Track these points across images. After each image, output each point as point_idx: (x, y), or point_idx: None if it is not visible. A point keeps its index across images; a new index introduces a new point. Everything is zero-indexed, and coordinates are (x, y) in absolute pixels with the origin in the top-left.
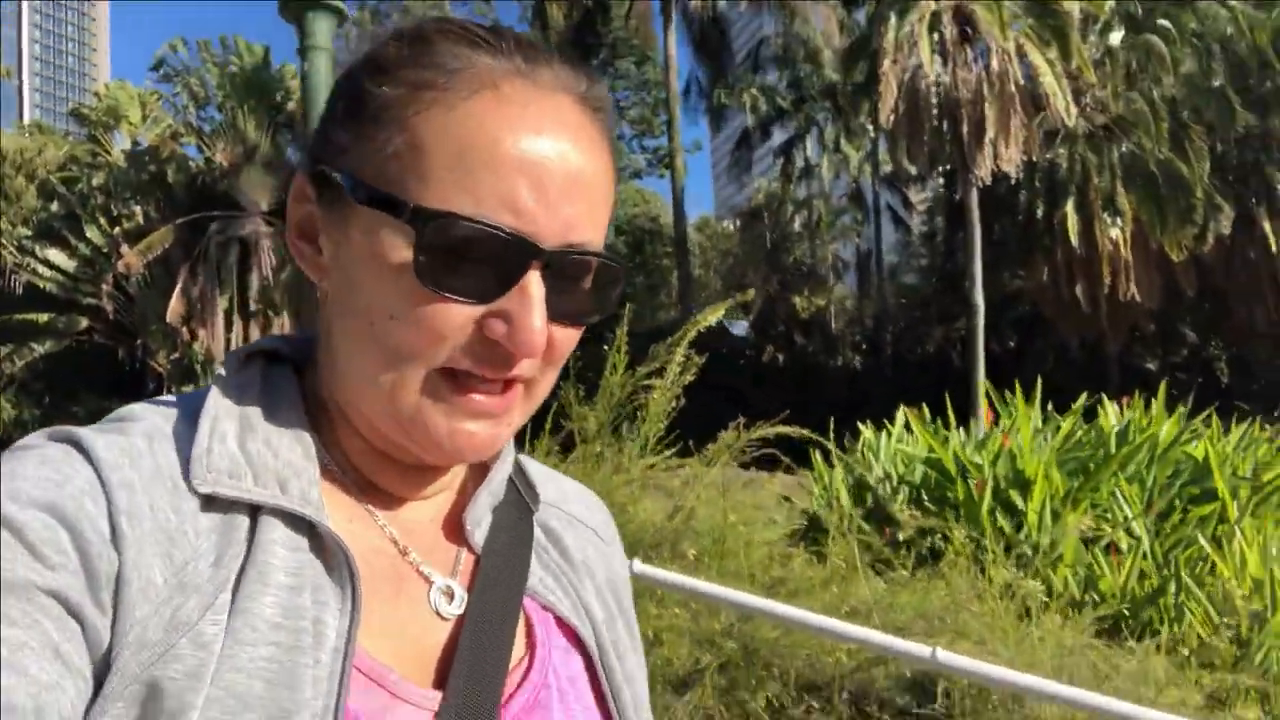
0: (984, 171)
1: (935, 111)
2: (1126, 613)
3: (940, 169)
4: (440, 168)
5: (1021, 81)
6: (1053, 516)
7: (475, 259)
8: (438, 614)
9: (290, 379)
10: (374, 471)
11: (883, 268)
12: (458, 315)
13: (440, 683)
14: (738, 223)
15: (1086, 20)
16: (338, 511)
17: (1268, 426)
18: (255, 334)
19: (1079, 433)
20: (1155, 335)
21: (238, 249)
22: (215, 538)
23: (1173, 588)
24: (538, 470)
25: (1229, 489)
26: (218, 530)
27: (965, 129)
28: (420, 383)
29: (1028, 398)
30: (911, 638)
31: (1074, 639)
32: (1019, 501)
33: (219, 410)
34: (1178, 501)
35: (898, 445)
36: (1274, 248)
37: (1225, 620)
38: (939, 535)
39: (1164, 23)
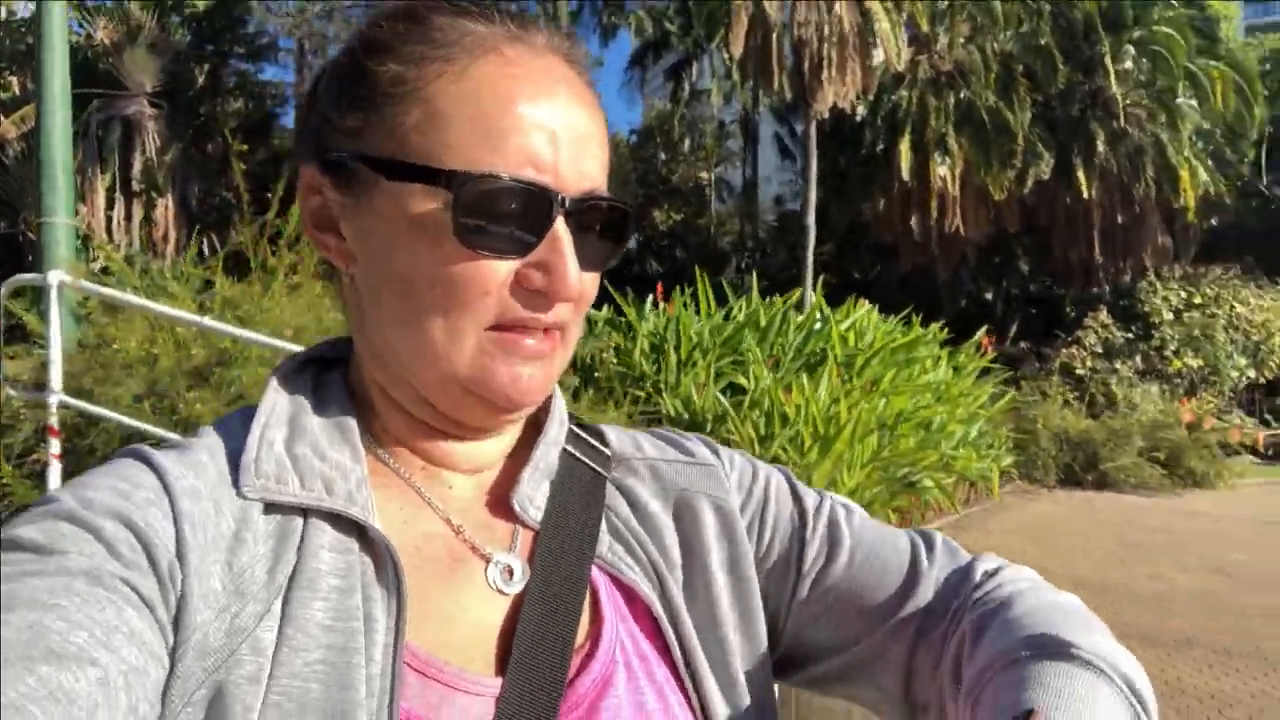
0: (823, 106)
1: (779, 48)
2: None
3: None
4: (464, 133)
5: (857, 25)
6: (689, 365)
7: (507, 215)
8: (499, 591)
9: (338, 380)
10: (423, 451)
11: (758, 192)
12: (499, 271)
13: (502, 667)
14: (631, 140)
15: None
16: (389, 503)
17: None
18: (138, 213)
19: (742, 315)
20: (996, 265)
21: (120, 128)
22: (273, 542)
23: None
24: (613, 432)
25: (838, 357)
26: (274, 535)
27: (806, 66)
28: (476, 340)
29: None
30: None
31: None
32: (672, 354)
33: (269, 417)
34: (793, 363)
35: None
36: (1086, 194)
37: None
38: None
39: None
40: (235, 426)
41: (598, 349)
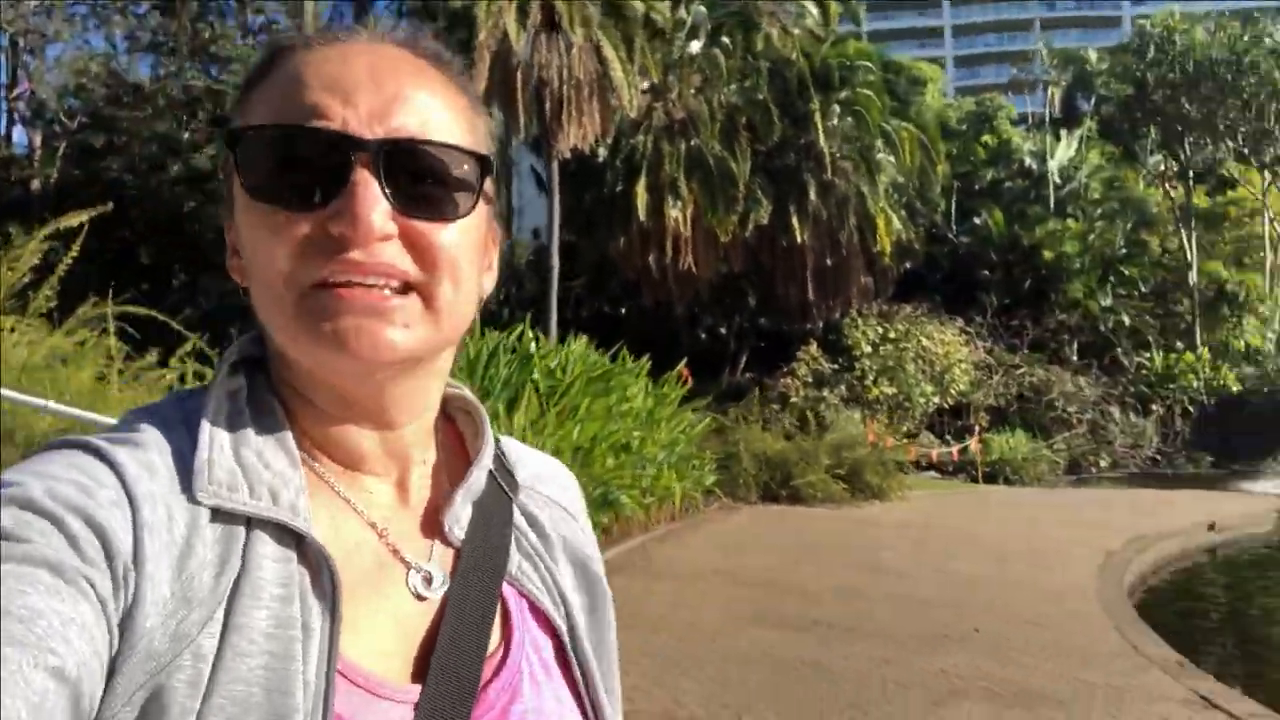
0: (565, 146)
1: (524, 88)
2: None
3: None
4: (258, 103)
5: (596, 71)
6: None
7: (296, 167)
8: (418, 596)
9: (267, 384)
10: (340, 451)
11: (512, 224)
12: (300, 224)
13: (420, 673)
14: None
15: (676, 27)
16: (319, 509)
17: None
18: None
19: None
20: (727, 303)
21: None
22: (219, 549)
23: None
24: (515, 452)
25: (540, 387)
26: (220, 541)
27: (549, 106)
28: (299, 305)
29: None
30: None
31: None
32: None
33: (215, 418)
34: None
35: None
36: (799, 238)
37: None
38: None
39: (725, 40)
40: (173, 421)
41: None
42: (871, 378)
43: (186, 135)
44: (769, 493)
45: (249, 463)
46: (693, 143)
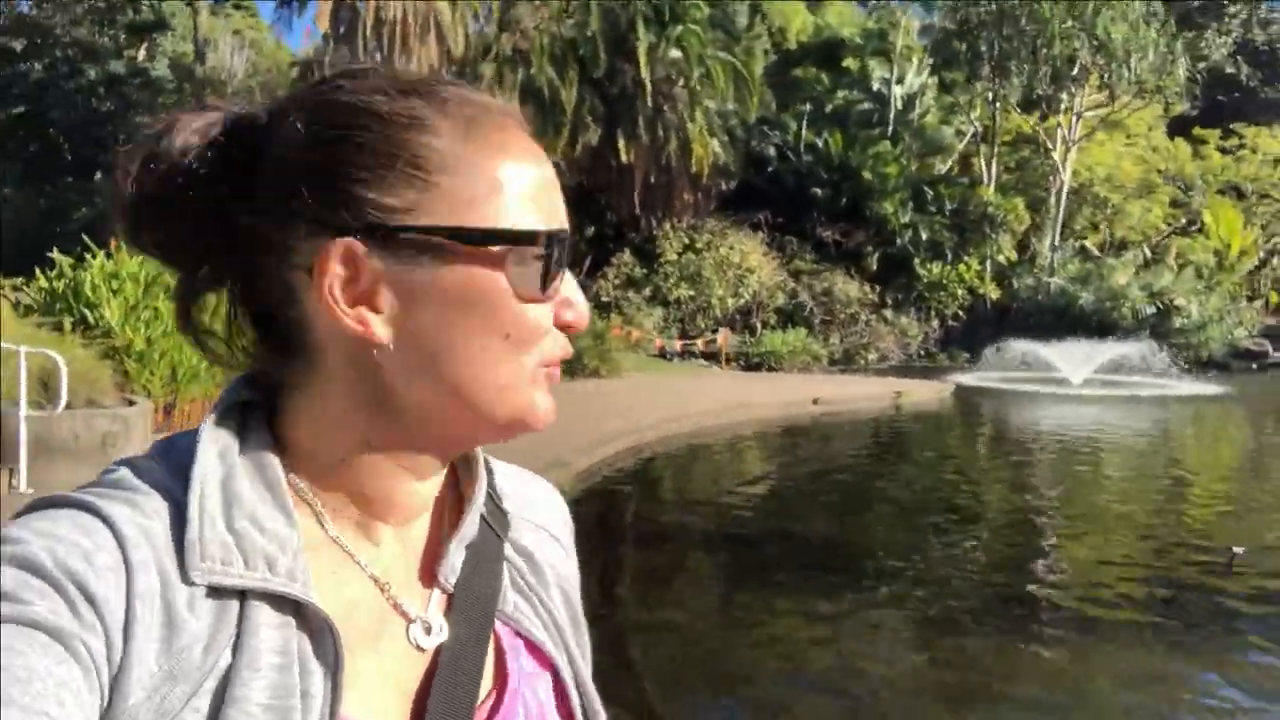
0: None
1: (364, 25)
2: None
3: None
4: (512, 197)
5: (427, 14)
6: None
7: (550, 261)
8: (418, 648)
9: (266, 433)
10: (363, 496)
11: None
12: (548, 312)
13: None
14: (294, 73)
15: None
16: (318, 563)
17: None
18: None
19: None
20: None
21: None
22: (210, 619)
23: None
24: (504, 477)
25: None
26: (212, 613)
27: (386, 42)
28: (533, 380)
29: None
30: None
31: None
32: None
33: (205, 483)
34: None
35: None
36: (624, 159)
37: None
38: None
39: None
40: (165, 482)
41: None
42: (673, 281)
43: (105, 40)
44: None
45: (242, 530)
46: (532, 72)
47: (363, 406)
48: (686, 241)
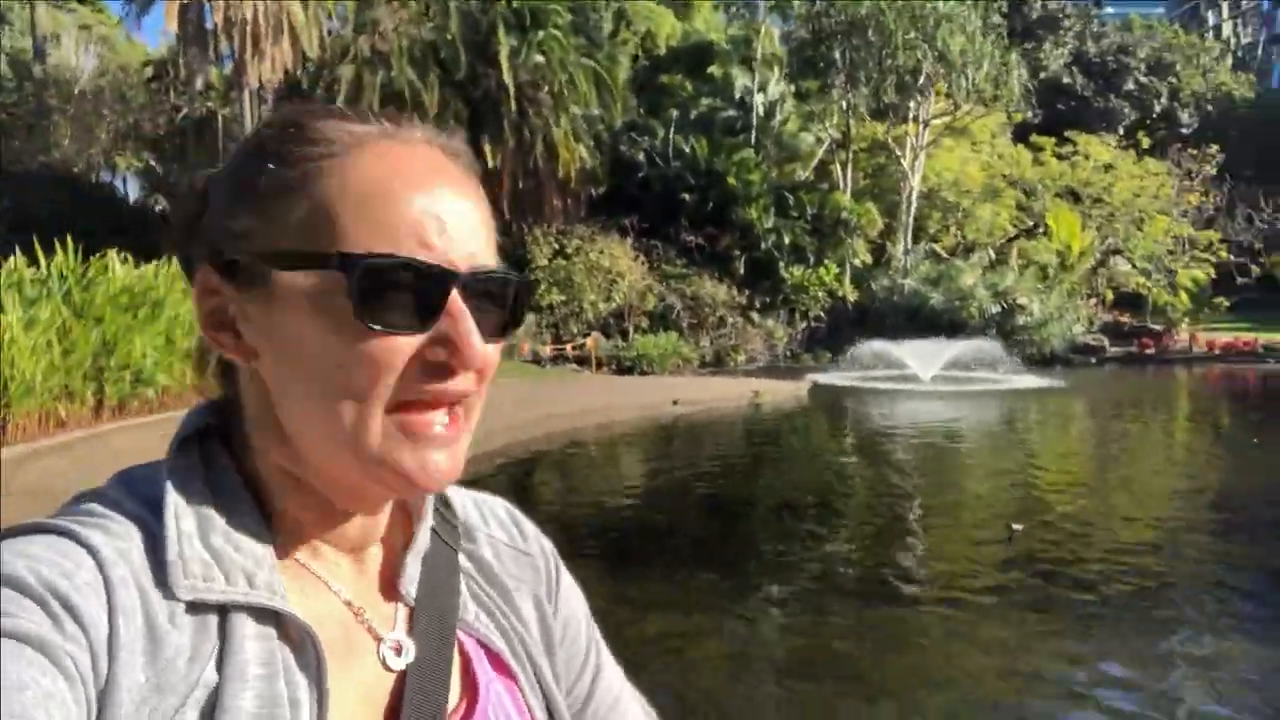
0: (252, 79)
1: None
2: None
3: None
4: (349, 220)
5: (278, 16)
6: None
7: (402, 294)
8: (388, 669)
9: (227, 459)
10: (315, 530)
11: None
12: (401, 346)
13: None
14: (148, 72)
15: None
16: (291, 581)
17: None
18: None
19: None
20: None
21: None
22: (192, 632)
23: None
24: (458, 497)
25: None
26: (194, 627)
27: (237, 45)
28: (381, 423)
29: None
30: None
31: None
32: None
33: (177, 506)
34: None
35: None
36: (491, 164)
37: None
38: None
39: None
40: (135, 509)
41: None
42: (544, 287)
43: None
44: None
45: (218, 548)
46: (393, 74)
47: (267, 431)
48: (556, 247)
